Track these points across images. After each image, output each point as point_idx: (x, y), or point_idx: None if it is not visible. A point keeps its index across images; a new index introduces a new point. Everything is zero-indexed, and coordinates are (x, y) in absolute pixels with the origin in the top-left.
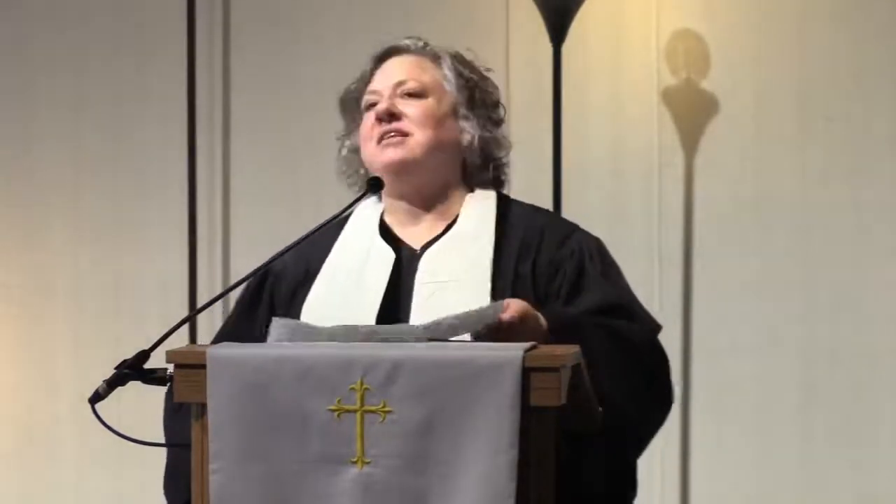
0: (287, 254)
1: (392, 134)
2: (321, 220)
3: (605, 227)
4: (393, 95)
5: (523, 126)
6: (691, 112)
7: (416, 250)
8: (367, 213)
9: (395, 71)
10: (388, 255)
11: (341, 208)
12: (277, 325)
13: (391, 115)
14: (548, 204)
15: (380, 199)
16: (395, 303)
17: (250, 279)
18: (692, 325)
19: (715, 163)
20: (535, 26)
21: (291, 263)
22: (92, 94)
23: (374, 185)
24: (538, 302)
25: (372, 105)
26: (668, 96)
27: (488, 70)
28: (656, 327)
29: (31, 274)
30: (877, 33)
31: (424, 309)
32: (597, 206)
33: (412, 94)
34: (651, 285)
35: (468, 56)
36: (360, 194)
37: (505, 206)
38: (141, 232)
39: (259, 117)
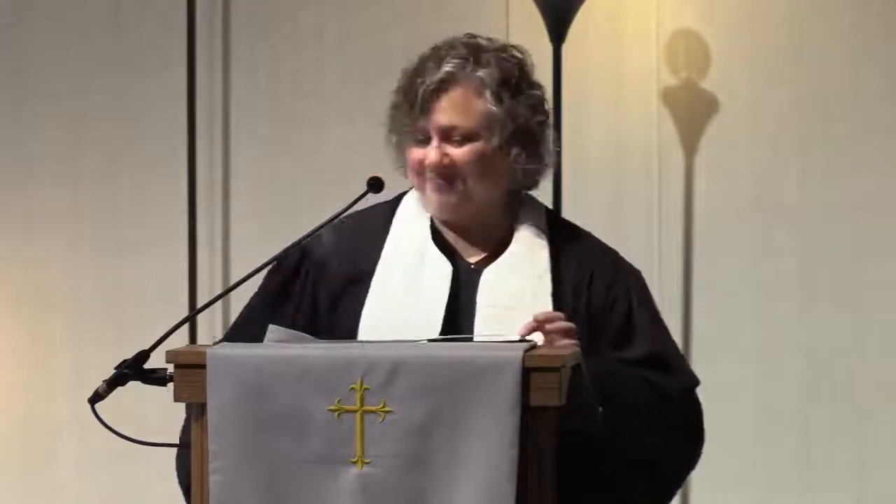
0: (325, 245)
1: (441, 179)
2: (321, 221)
3: (605, 226)
4: (441, 140)
5: None
6: (691, 112)
7: (470, 265)
8: (414, 212)
9: (442, 115)
10: (446, 268)
11: (341, 208)
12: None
13: (441, 166)
14: (548, 204)
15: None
16: (455, 318)
17: (274, 265)
18: (692, 325)
19: (715, 163)
20: (535, 26)
21: (335, 257)
22: (92, 93)
23: (374, 185)
24: (589, 342)
25: (419, 141)
26: (668, 96)
27: (529, 67)
28: (695, 381)
29: (31, 274)
30: (876, 33)
31: (488, 332)
32: (597, 206)
33: (461, 139)
34: (651, 285)
35: (510, 60)
36: (360, 194)
37: (553, 224)
38: (141, 232)
39: (259, 117)
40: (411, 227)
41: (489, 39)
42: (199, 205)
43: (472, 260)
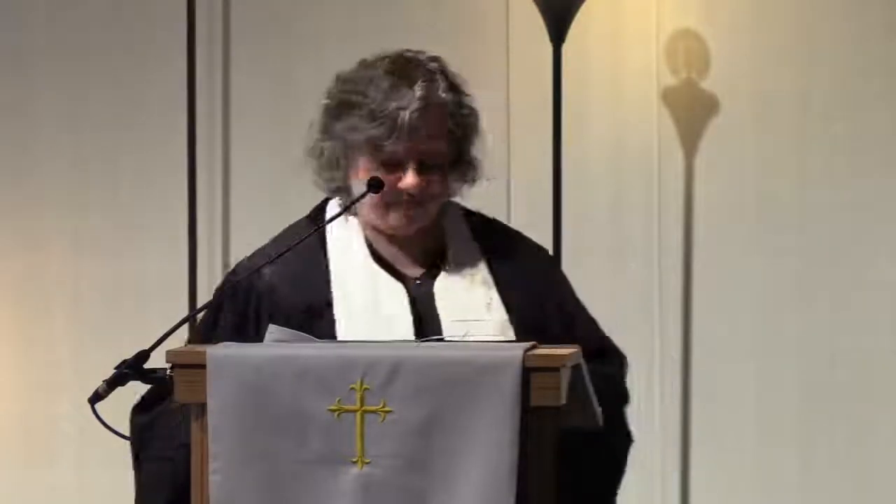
0: (269, 280)
1: (415, 203)
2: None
3: (605, 227)
4: (414, 162)
5: (523, 126)
6: (691, 112)
7: (415, 279)
8: (345, 236)
9: (423, 143)
10: (398, 289)
11: (341, 209)
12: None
13: (419, 191)
14: (548, 204)
15: (345, 216)
16: (423, 337)
17: (217, 304)
18: (692, 325)
19: (715, 163)
20: (535, 26)
21: (283, 291)
22: (93, 93)
23: (374, 186)
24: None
25: (385, 160)
26: (668, 96)
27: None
28: (624, 355)
29: (31, 274)
30: (877, 33)
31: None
32: (597, 206)
33: (433, 164)
34: (651, 285)
35: (449, 72)
36: (360, 194)
37: (474, 225)
38: (141, 232)
39: (259, 118)
40: (347, 247)
41: (419, 51)
42: (199, 205)
43: (414, 274)
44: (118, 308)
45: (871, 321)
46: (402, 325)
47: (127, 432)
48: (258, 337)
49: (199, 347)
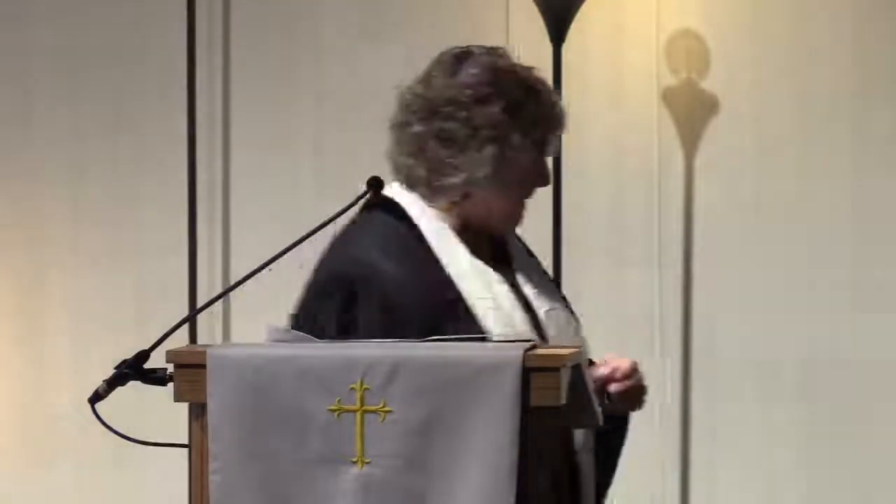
0: (391, 272)
1: None
2: (321, 222)
3: (605, 227)
4: None
5: None
6: (691, 112)
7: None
8: (437, 231)
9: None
10: (503, 283)
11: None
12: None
13: None
14: (548, 204)
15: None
16: (538, 328)
17: (346, 293)
18: (692, 325)
19: (715, 163)
20: (535, 26)
21: (410, 288)
22: (93, 92)
23: (374, 186)
24: None
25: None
26: (668, 96)
27: None
28: None
29: (30, 273)
30: (877, 33)
31: (565, 335)
32: (597, 206)
33: None
34: (651, 285)
35: None
36: (360, 194)
37: None
38: (141, 232)
39: (259, 117)
40: (447, 242)
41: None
42: (199, 205)
43: (491, 265)
44: (118, 308)
45: (870, 321)
46: (518, 318)
47: (126, 432)
48: (402, 331)
49: (199, 347)
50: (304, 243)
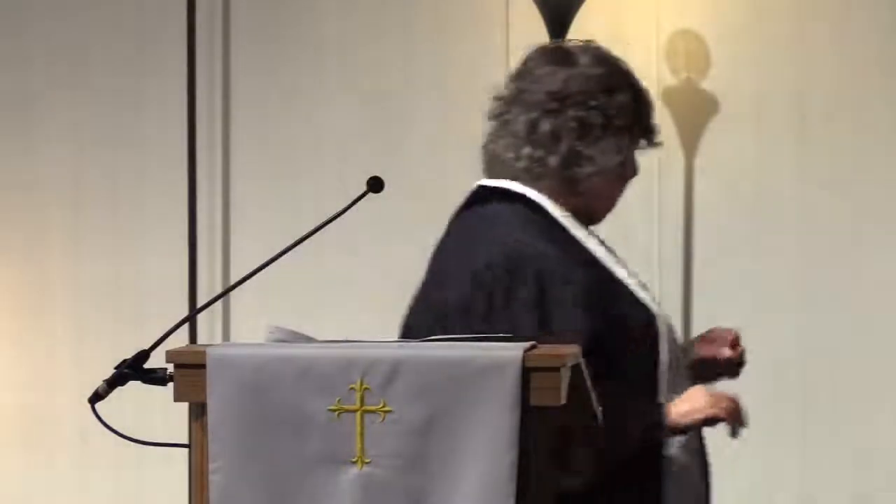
0: (553, 256)
1: None
2: (321, 222)
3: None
4: None
5: None
6: (691, 112)
7: None
8: (565, 217)
9: None
10: (623, 264)
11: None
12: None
13: None
14: None
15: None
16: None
17: (535, 287)
18: (692, 325)
19: (715, 163)
20: (535, 26)
21: (570, 263)
22: (93, 93)
23: (374, 185)
24: None
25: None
26: (668, 96)
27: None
28: None
29: (30, 273)
30: (877, 33)
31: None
32: None
33: None
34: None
35: None
36: (360, 194)
37: None
38: (141, 231)
39: (259, 118)
40: (577, 230)
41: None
42: (200, 204)
43: None
44: (118, 308)
45: (871, 321)
46: (648, 298)
47: (126, 432)
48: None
49: (199, 347)
50: (303, 243)
